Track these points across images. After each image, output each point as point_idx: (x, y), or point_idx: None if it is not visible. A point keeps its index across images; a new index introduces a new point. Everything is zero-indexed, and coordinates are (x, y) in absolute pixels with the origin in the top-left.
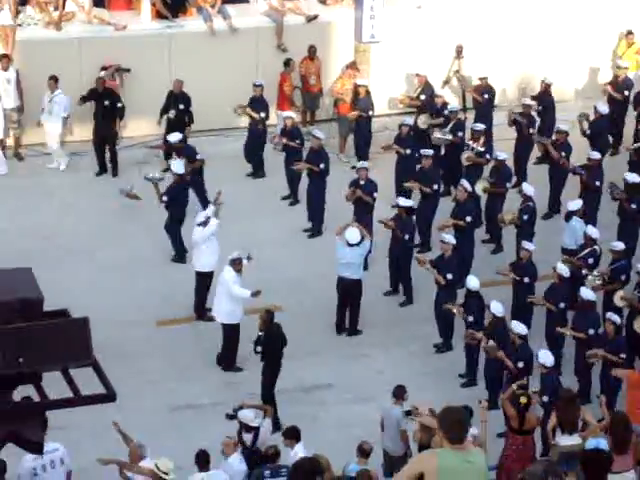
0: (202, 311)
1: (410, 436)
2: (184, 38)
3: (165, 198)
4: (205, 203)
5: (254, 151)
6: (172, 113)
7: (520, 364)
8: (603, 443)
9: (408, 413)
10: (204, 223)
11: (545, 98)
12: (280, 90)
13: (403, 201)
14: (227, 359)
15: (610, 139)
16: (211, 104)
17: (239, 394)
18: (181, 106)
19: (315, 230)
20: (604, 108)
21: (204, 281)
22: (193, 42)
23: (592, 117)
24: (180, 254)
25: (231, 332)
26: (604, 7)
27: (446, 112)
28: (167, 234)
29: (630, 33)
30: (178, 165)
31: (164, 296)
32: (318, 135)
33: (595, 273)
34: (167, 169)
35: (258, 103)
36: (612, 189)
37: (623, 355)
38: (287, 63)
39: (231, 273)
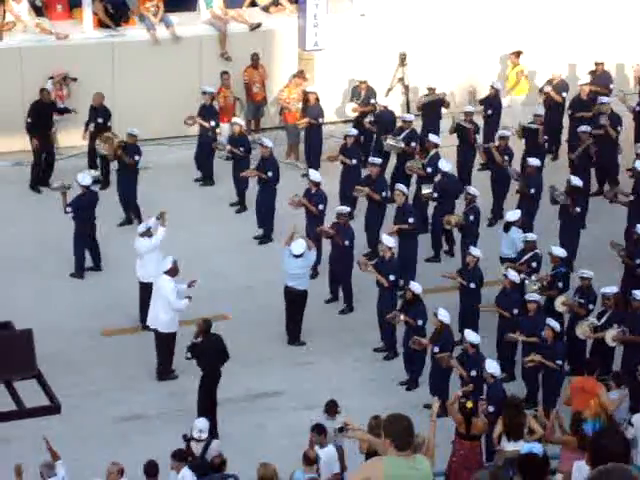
0: (144, 321)
1: (346, 451)
2: (127, 47)
3: (69, 209)
4: (136, 212)
5: (204, 159)
6: (92, 127)
7: (473, 372)
8: (537, 447)
9: (340, 430)
10: (146, 234)
11: (494, 103)
12: (218, 101)
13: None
14: (163, 367)
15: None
16: (155, 113)
17: (184, 404)
18: (100, 120)
19: (265, 237)
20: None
21: (148, 292)
22: (136, 51)
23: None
24: (79, 270)
25: (167, 341)
26: (540, 14)
27: (400, 121)
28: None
29: (517, 54)
30: (84, 177)
31: (109, 306)
32: (267, 143)
33: (533, 278)
34: (96, 180)
35: (208, 111)
36: (553, 193)
37: (559, 362)
38: (225, 74)
39: (170, 283)
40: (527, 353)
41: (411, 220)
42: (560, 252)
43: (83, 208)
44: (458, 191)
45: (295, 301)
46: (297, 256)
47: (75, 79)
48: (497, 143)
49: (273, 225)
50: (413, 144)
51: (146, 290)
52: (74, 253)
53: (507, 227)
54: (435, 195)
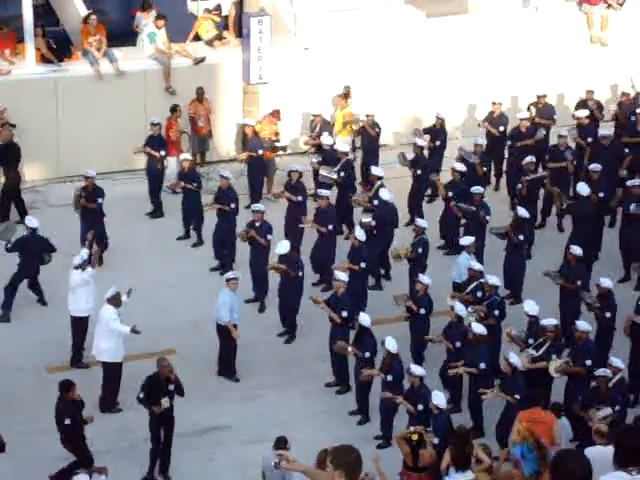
0: (79, 357)
1: None
2: (70, 82)
3: (9, 246)
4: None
5: (153, 190)
6: None
7: (420, 406)
8: None
9: (275, 466)
10: (81, 266)
11: (439, 133)
12: (167, 135)
13: (281, 248)
14: (107, 400)
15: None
16: (101, 147)
17: (132, 439)
18: (4, 160)
19: (223, 267)
20: (421, 141)
21: (80, 326)
22: (80, 86)
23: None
24: (5, 312)
25: (112, 371)
26: (485, 46)
27: (338, 152)
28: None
29: (345, 95)
30: (30, 220)
31: (54, 342)
32: (226, 175)
33: (470, 309)
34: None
35: (156, 142)
36: (491, 229)
37: (517, 396)
38: (174, 109)
39: (110, 310)
40: (475, 384)
41: (363, 265)
42: (495, 281)
43: (26, 250)
44: (396, 221)
45: (222, 336)
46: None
47: (14, 125)
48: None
49: (234, 257)
50: (342, 174)
51: (78, 324)
52: (4, 292)
53: (459, 251)
54: (374, 223)
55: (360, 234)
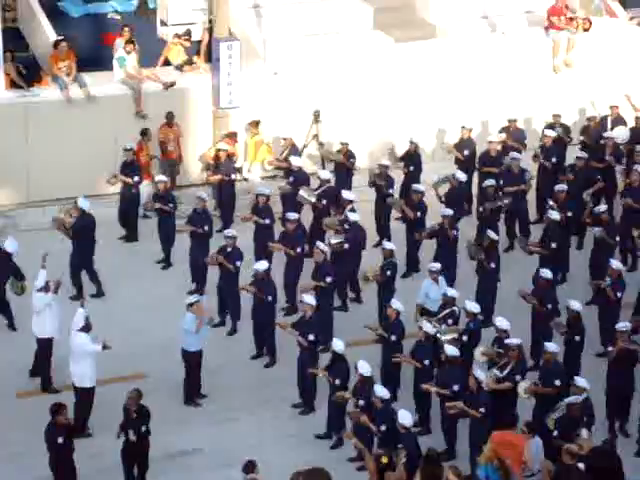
0: (49, 382)
1: None
2: (40, 107)
3: None
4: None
5: (128, 215)
6: None
7: (383, 427)
8: None
9: None
10: (44, 288)
11: (414, 158)
12: (137, 159)
13: (259, 265)
14: (77, 424)
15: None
16: (71, 172)
17: (104, 464)
18: None
19: (199, 291)
20: (462, 176)
21: (45, 348)
22: (50, 111)
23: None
24: None
25: (85, 396)
26: (453, 71)
27: (317, 179)
28: None
29: (256, 123)
30: (10, 244)
31: (24, 367)
32: (203, 197)
33: (444, 328)
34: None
35: (129, 167)
36: (470, 248)
37: (482, 410)
38: (144, 132)
39: (82, 337)
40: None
41: (329, 279)
42: (474, 308)
43: None
44: (364, 242)
45: (186, 361)
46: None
47: None
48: (411, 197)
49: (206, 280)
50: (324, 201)
51: (43, 346)
52: None
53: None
54: (346, 246)
55: (323, 247)
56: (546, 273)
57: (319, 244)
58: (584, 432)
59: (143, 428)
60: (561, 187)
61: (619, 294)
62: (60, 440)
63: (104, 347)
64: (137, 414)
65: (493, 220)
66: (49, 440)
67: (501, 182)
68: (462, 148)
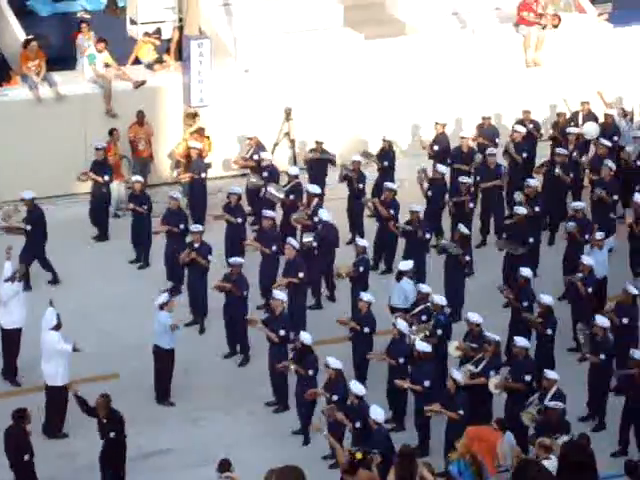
0: (12, 371)
1: None
2: (9, 107)
3: None
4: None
5: (99, 214)
6: None
7: (358, 423)
8: None
9: None
10: (12, 278)
11: (388, 155)
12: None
13: (233, 260)
14: (52, 424)
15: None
16: (41, 171)
17: (77, 465)
18: None
19: (175, 290)
20: (443, 168)
21: (13, 338)
22: (19, 110)
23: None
24: None
25: (55, 395)
26: (423, 68)
27: (286, 175)
28: None
29: (193, 115)
30: None
31: None
32: (176, 196)
33: (414, 328)
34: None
35: (100, 166)
36: (444, 244)
37: (461, 412)
38: (111, 132)
39: (54, 336)
40: (421, 402)
41: (301, 275)
42: (439, 300)
43: None
44: (337, 240)
45: (158, 360)
46: (160, 307)
47: None
48: (383, 196)
49: (183, 278)
50: (292, 196)
51: (10, 338)
52: None
53: (399, 277)
54: (315, 244)
55: (293, 242)
56: (525, 272)
57: (290, 240)
58: (565, 438)
59: (111, 434)
60: (533, 182)
61: (589, 289)
62: (26, 457)
63: (74, 349)
64: (107, 419)
65: (466, 215)
66: (15, 454)
67: (477, 178)
68: (437, 144)
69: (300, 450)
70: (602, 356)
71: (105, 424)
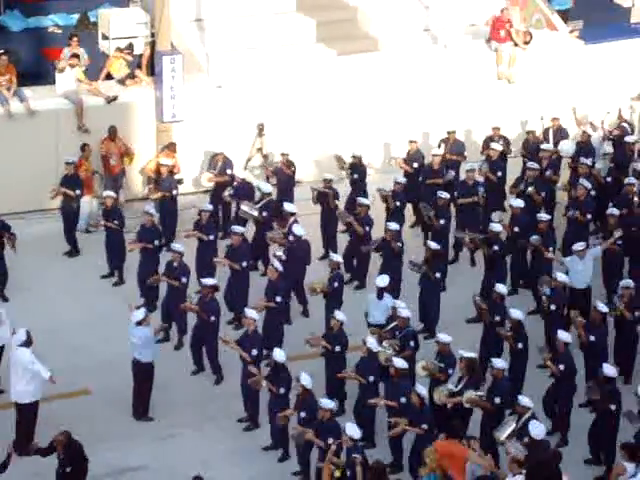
0: None
1: None
2: None
3: None
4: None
5: (68, 229)
6: None
7: (330, 440)
8: None
9: None
10: None
11: (358, 169)
12: (77, 173)
13: (207, 280)
14: (21, 442)
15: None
16: (12, 187)
17: None
18: None
19: (150, 307)
20: (403, 179)
21: None
22: None
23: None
24: None
25: (27, 412)
26: (395, 84)
27: (258, 193)
28: None
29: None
30: None
31: None
32: (151, 211)
33: (384, 344)
34: None
35: (70, 180)
36: (411, 263)
37: (425, 426)
38: (82, 148)
39: (26, 354)
40: (395, 418)
41: (278, 299)
42: (406, 313)
43: None
44: (307, 256)
45: (139, 374)
46: (138, 323)
47: None
48: (357, 210)
49: (158, 295)
50: (265, 213)
51: None
52: None
53: (380, 294)
54: (284, 257)
55: (277, 265)
56: (501, 289)
57: (274, 262)
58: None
59: (68, 469)
60: (517, 203)
61: (552, 307)
62: None
63: (51, 380)
64: (64, 455)
65: (441, 231)
66: None
67: (455, 194)
68: (411, 161)
69: (270, 467)
70: (561, 367)
71: (62, 459)
